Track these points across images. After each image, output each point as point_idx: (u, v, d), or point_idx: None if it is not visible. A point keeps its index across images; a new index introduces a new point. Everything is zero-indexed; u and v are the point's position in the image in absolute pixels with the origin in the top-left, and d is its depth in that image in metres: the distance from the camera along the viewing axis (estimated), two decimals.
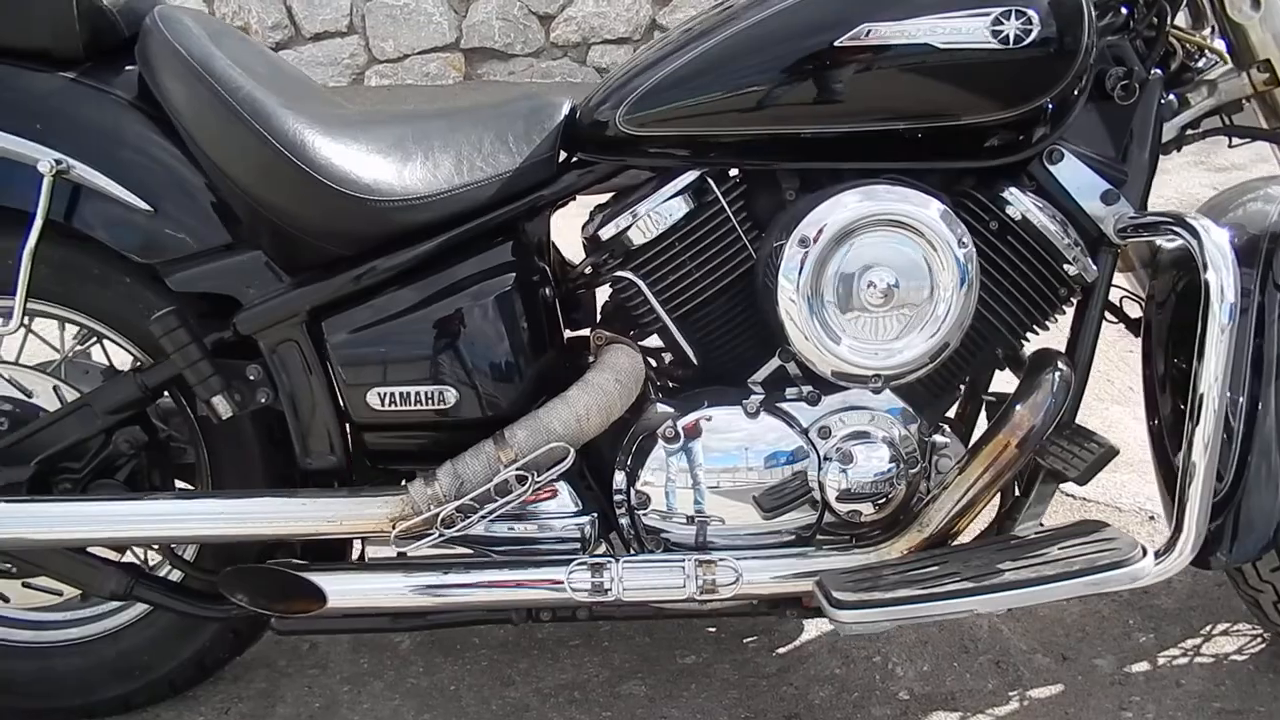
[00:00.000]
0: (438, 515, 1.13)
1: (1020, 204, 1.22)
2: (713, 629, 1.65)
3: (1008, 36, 1.11)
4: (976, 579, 1.08)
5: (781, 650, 1.60)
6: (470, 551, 1.25)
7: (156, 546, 1.30)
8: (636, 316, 1.31)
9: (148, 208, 1.17)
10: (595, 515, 1.26)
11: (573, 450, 1.16)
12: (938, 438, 1.29)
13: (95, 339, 1.36)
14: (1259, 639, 1.55)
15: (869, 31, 1.11)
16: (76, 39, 1.16)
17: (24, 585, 1.31)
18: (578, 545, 1.26)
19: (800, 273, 1.15)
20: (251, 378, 1.19)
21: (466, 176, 1.20)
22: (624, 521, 1.28)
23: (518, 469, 1.14)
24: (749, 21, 1.15)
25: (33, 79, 1.16)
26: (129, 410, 1.23)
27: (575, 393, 1.18)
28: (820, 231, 1.14)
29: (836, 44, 1.12)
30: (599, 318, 1.41)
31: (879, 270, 1.15)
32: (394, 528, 1.15)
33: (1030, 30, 1.11)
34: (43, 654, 1.36)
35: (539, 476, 1.16)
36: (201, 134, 1.13)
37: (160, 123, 1.18)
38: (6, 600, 1.33)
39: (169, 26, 1.15)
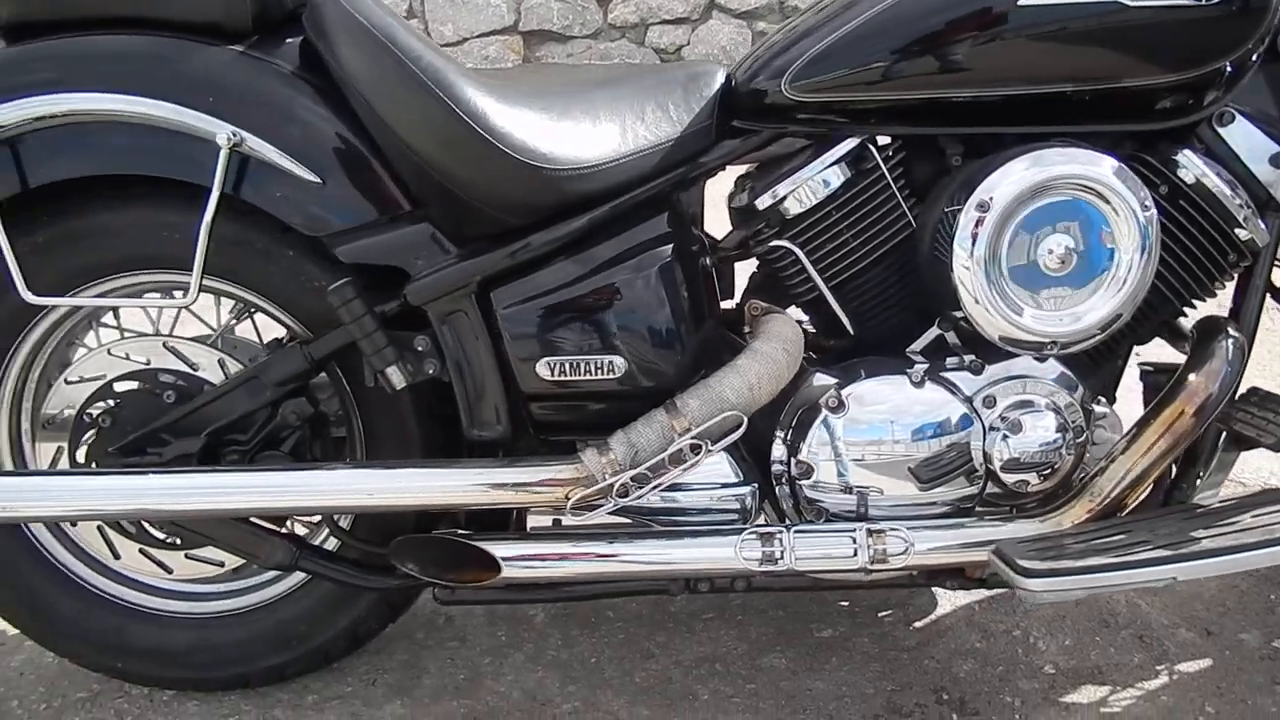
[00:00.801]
0: (613, 485, 1.13)
1: (1194, 167, 1.20)
2: (845, 603, 1.65)
3: None
4: (1173, 546, 1.07)
5: (918, 624, 1.59)
6: (628, 522, 1.26)
7: (320, 518, 1.31)
8: (790, 286, 1.30)
9: (316, 180, 1.17)
10: (755, 486, 1.25)
11: (746, 419, 1.16)
12: (1097, 407, 1.27)
13: (249, 313, 1.38)
14: None
15: None
16: (247, 12, 1.17)
17: (187, 557, 1.33)
18: (736, 516, 1.26)
19: (977, 238, 1.13)
20: (420, 349, 1.20)
21: (632, 145, 1.19)
22: (781, 492, 1.27)
23: (692, 438, 1.14)
24: None
25: (204, 53, 1.17)
26: (295, 382, 1.24)
27: (746, 362, 1.17)
28: (999, 196, 1.12)
29: (1021, 3, 1.10)
30: (745, 289, 1.40)
31: (1059, 235, 1.14)
32: (568, 497, 1.14)
33: None
34: (202, 624, 1.38)
35: (712, 445, 1.15)
36: (383, 103, 1.12)
37: (327, 95, 1.19)
38: (169, 572, 1.35)
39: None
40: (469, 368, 1.19)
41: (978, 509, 1.27)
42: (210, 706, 1.43)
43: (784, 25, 1.33)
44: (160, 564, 1.34)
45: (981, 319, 1.16)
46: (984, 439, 1.23)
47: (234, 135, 1.13)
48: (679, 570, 1.19)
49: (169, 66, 1.16)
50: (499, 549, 1.15)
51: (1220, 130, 1.23)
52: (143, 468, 1.20)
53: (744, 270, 1.42)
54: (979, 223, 1.13)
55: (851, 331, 1.29)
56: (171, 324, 1.42)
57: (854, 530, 1.18)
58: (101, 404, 1.27)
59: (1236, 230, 1.21)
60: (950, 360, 1.26)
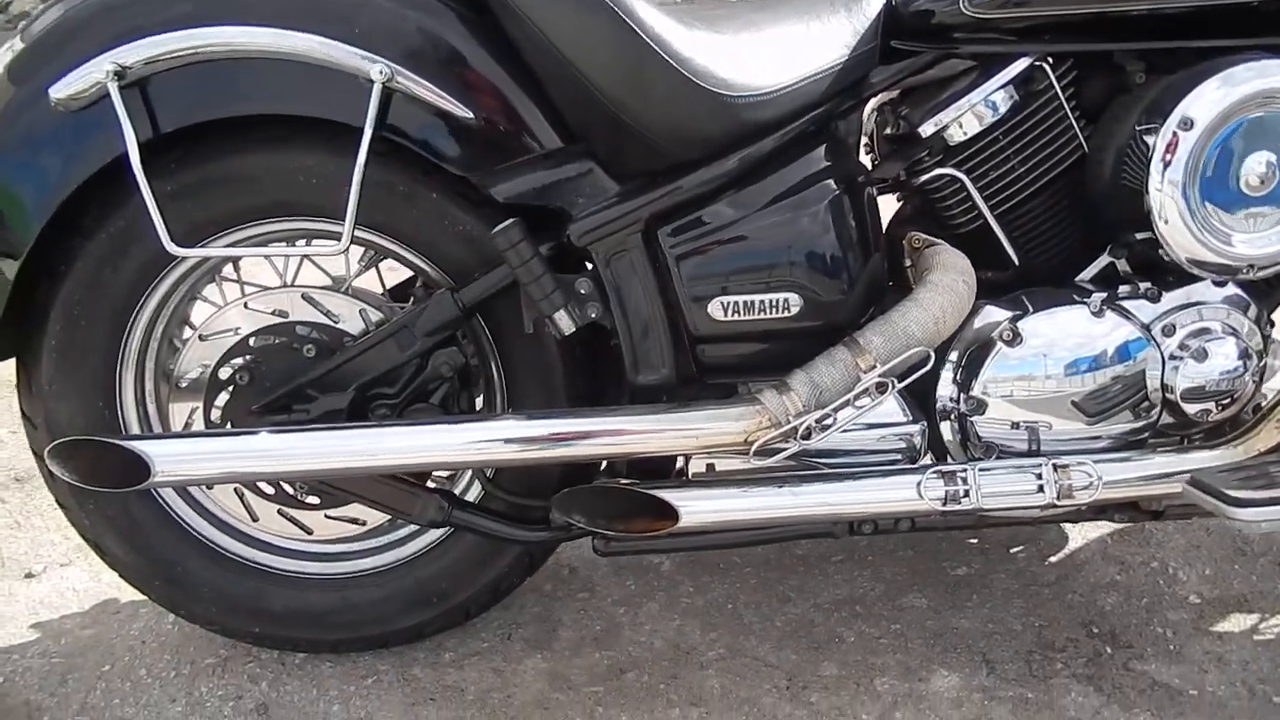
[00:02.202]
0: (797, 427, 1.09)
1: None
2: (974, 540, 1.62)
3: None
4: None
5: (1054, 559, 1.57)
6: (793, 464, 1.21)
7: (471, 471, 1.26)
8: (950, 217, 1.24)
9: (469, 115, 1.09)
10: (924, 424, 1.21)
11: (932, 354, 1.11)
12: (1274, 332, 1.23)
13: (379, 260, 1.31)
14: None
15: None
16: None
17: (326, 517, 1.29)
18: (904, 455, 1.22)
19: (1176, 158, 1.08)
20: (582, 291, 1.14)
21: (803, 70, 1.12)
22: (948, 429, 1.23)
23: (879, 376, 1.09)
24: None
25: None
26: (446, 331, 1.18)
27: (928, 295, 1.12)
28: (1202, 113, 1.07)
29: None
30: (890, 220, 1.35)
31: (1262, 152, 1.08)
32: (749, 441, 1.10)
33: None
34: (340, 585, 1.34)
35: (899, 384, 1.10)
36: (556, 27, 1.04)
37: (475, 24, 1.11)
38: (309, 532, 1.30)
39: None
40: (634, 310, 1.14)
41: (1150, 440, 1.23)
42: (346, 668, 1.39)
43: None
44: (300, 524, 1.29)
45: (1176, 242, 1.11)
46: (1163, 368, 1.19)
47: (387, 70, 1.05)
48: (859, 512, 1.15)
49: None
50: (677, 497, 1.10)
51: None
52: (295, 425, 1.14)
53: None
54: (1178, 142, 1.07)
55: (1016, 262, 1.24)
56: (293, 275, 1.35)
57: (1039, 466, 1.14)
58: (237, 360, 1.21)
59: None
60: (1123, 289, 1.22)
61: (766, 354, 1.16)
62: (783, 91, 1.10)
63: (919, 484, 1.14)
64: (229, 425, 1.22)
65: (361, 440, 1.08)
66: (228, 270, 1.30)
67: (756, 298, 1.12)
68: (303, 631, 1.35)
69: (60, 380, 1.21)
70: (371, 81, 1.05)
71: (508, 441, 1.08)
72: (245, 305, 1.21)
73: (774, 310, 1.13)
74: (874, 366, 1.09)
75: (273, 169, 1.15)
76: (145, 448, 1.06)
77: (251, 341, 1.21)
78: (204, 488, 1.28)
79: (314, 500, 1.27)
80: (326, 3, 1.07)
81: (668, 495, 1.10)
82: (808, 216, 1.12)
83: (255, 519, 1.29)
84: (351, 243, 1.10)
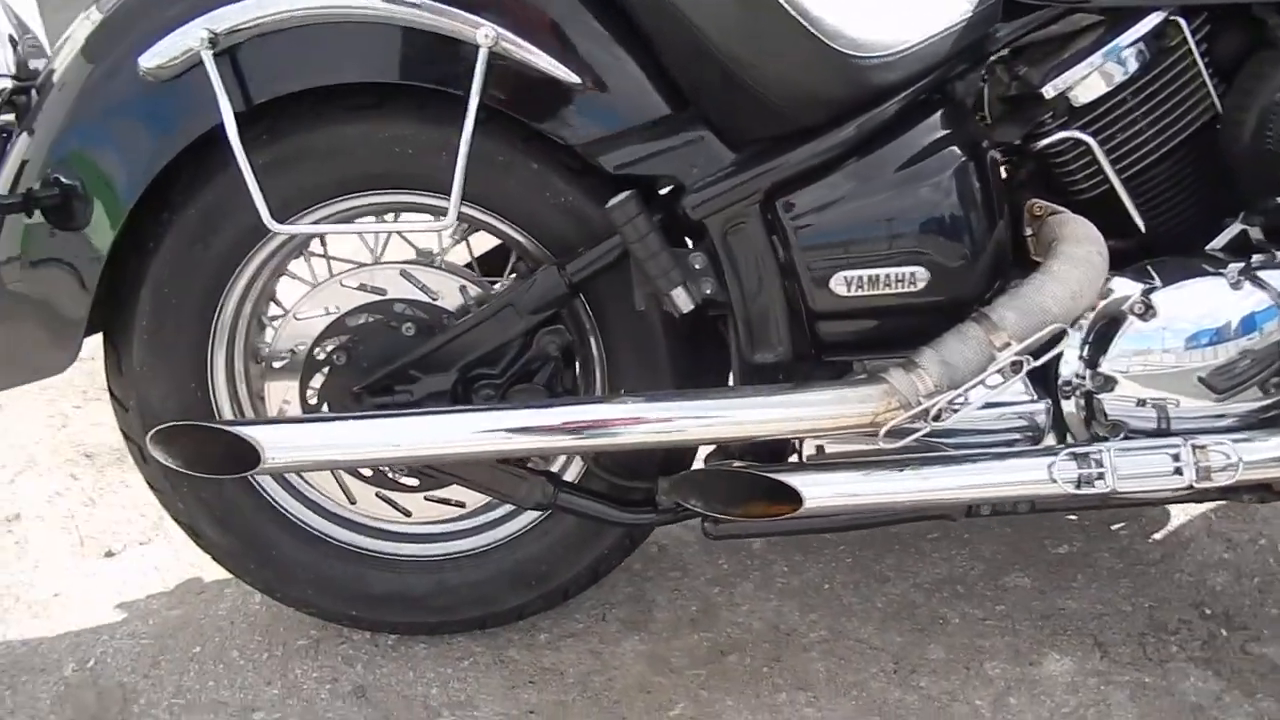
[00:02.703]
0: (929, 408, 1.03)
1: None
2: (1073, 517, 1.57)
3: None
4: None
5: (1158, 536, 1.52)
6: (913, 445, 1.16)
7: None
8: (1073, 182, 1.18)
9: (577, 81, 1.04)
10: (1049, 403, 1.16)
11: (1070, 331, 1.06)
12: None
13: (471, 233, 1.26)
14: None
15: None
16: None
17: (426, 499, 1.25)
18: (1026, 435, 1.17)
19: None
20: (696, 266, 1.09)
21: (927, 28, 1.06)
22: (1073, 408, 1.17)
23: (1015, 354, 1.04)
24: None
25: None
26: (552, 309, 1.13)
27: (1063, 268, 1.06)
28: None
29: None
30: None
31: None
32: (877, 424, 1.05)
33: None
34: (438, 568, 1.31)
35: (1034, 362, 1.05)
36: None
37: None
38: (408, 515, 1.27)
39: None
40: (751, 286, 1.08)
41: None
42: (440, 650, 1.37)
43: None
44: (398, 507, 1.26)
45: None
46: None
47: (493, 33, 1.00)
48: (987, 496, 1.10)
49: None
50: (801, 481, 1.06)
51: None
52: (403, 409, 1.10)
53: None
54: None
55: (1142, 230, 1.18)
56: (380, 250, 1.30)
57: (1177, 446, 1.09)
58: (333, 340, 1.17)
59: None
60: (1257, 258, 1.15)
61: (889, 331, 1.11)
62: (909, 51, 1.04)
63: (1050, 466, 1.09)
64: (326, 407, 1.18)
65: (475, 424, 1.04)
66: (314, 246, 1.26)
67: (881, 271, 1.07)
68: (400, 614, 1.32)
69: (152, 361, 1.18)
70: (478, 46, 1.00)
71: (633, 424, 1.04)
72: (341, 283, 1.16)
73: (899, 285, 1.07)
74: (1008, 344, 1.04)
75: (366, 140, 1.10)
76: (255, 433, 1.03)
77: (348, 321, 1.17)
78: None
79: (411, 482, 1.23)
80: None
81: (791, 479, 1.06)
82: (934, 185, 1.07)
83: (353, 501, 1.26)
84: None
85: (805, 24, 0.99)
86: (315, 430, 1.04)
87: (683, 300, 1.07)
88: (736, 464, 1.15)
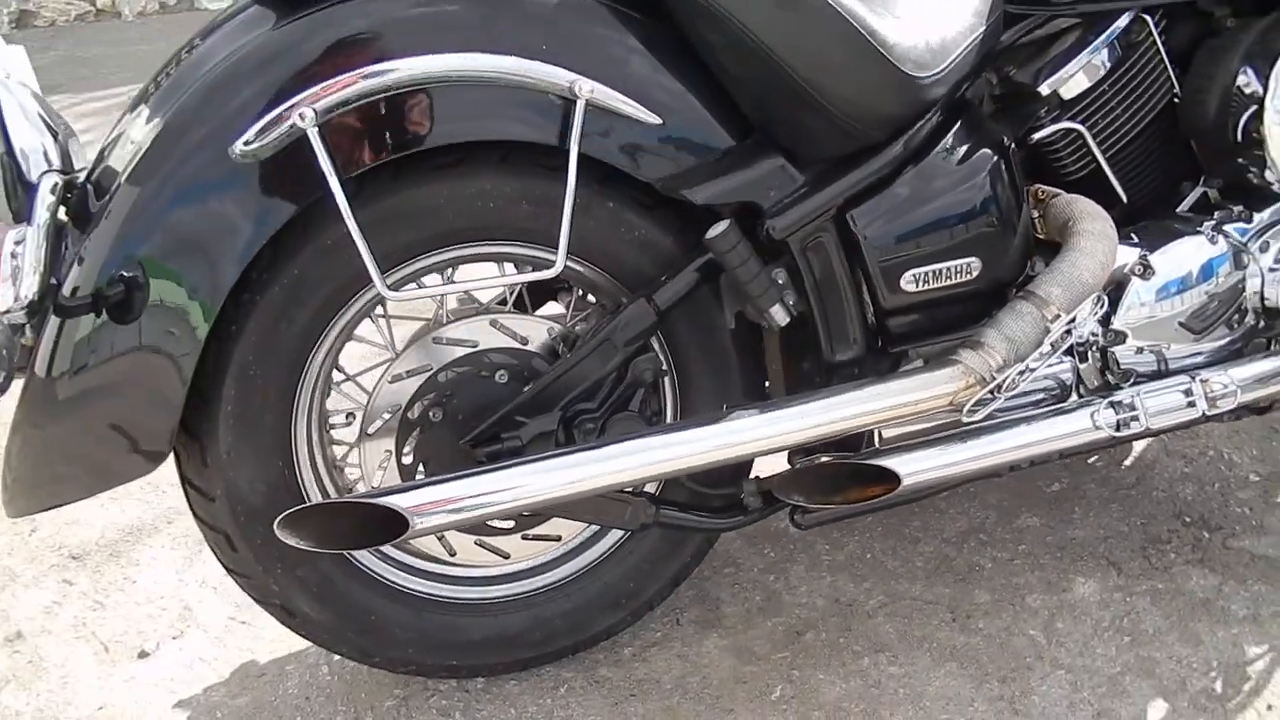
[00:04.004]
0: (1001, 381, 1.17)
1: None
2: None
3: None
4: None
5: (1128, 464, 1.74)
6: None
7: None
8: (1065, 165, 1.34)
9: (658, 120, 1.10)
10: (1073, 361, 1.31)
11: (1106, 297, 1.21)
12: None
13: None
14: None
15: None
16: None
17: (523, 539, 1.28)
18: (1055, 394, 1.32)
19: None
20: (779, 281, 1.17)
21: (958, 43, 1.18)
22: (1090, 363, 1.34)
23: (1066, 324, 1.18)
24: None
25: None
26: (644, 338, 1.18)
27: (1090, 243, 1.21)
28: None
29: None
30: None
31: None
32: (957, 403, 1.17)
33: None
34: (530, 603, 1.33)
35: (1080, 329, 1.20)
36: (755, 17, 1.05)
37: (651, 29, 1.11)
38: (506, 557, 1.29)
39: None
40: (832, 292, 1.18)
41: (1255, 345, 1.38)
42: (531, 683, 1.39)
43: None
44: (497, 551, 1.28)
45: None
46: (1263, 281, 1.34)
47: (588, 85, 1.04)
48: (1047, 449, 1.24)
49: (500, 16, 1.04)
50: (896, 462, 1.16)
51: None
52: (529, 456, 1.12)
53: None
54: None
55: (1125, 200, 1.36)
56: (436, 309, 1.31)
57: (1187, 382, 1.27)
58: (427, 399, 1.18)
59: None
60: (1218, 214, 1.35)
61: (950, 318, 1.23)
62: (950, 67, 1.16)
63: (1092, 414, 1.25)
64: (425, 464, 1.19)
65: (610, 458, 1.08)
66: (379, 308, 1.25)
67: (944, 265, 1.19)
68: (499, 655, 1.34)
69: (239, 446, 1.14)
70: (575, 98, 1.04)
71: (756, 437, 1.11)
72: (433, 340, 1.17)
73: (959, 275, 1.20)
74: (1059, 316, 1.18)
75: (451, 197, 1.11)
76: (396, 501, 1.03)
77: (440, 377, 1.18)
78: None
79: (508, 524, 1.26)
80: (517, 21, 1.05)
81: (888, 462, 1.16)
82: (977, 182, 1.19)
83: (453, 554, 1.26)
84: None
85: (879, 48, 1.09)
86: (455, 488, 1.05)
87: (780, 315, 1.15)
88: (824, 457, 1.24)
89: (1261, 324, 1.38)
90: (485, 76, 1.03)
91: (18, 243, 1.03)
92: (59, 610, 1.60)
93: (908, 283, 1.19)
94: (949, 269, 1.19)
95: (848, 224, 1.17)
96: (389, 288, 1.05)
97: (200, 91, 1.02)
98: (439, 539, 1.24)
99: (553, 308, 1.48)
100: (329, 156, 0.99)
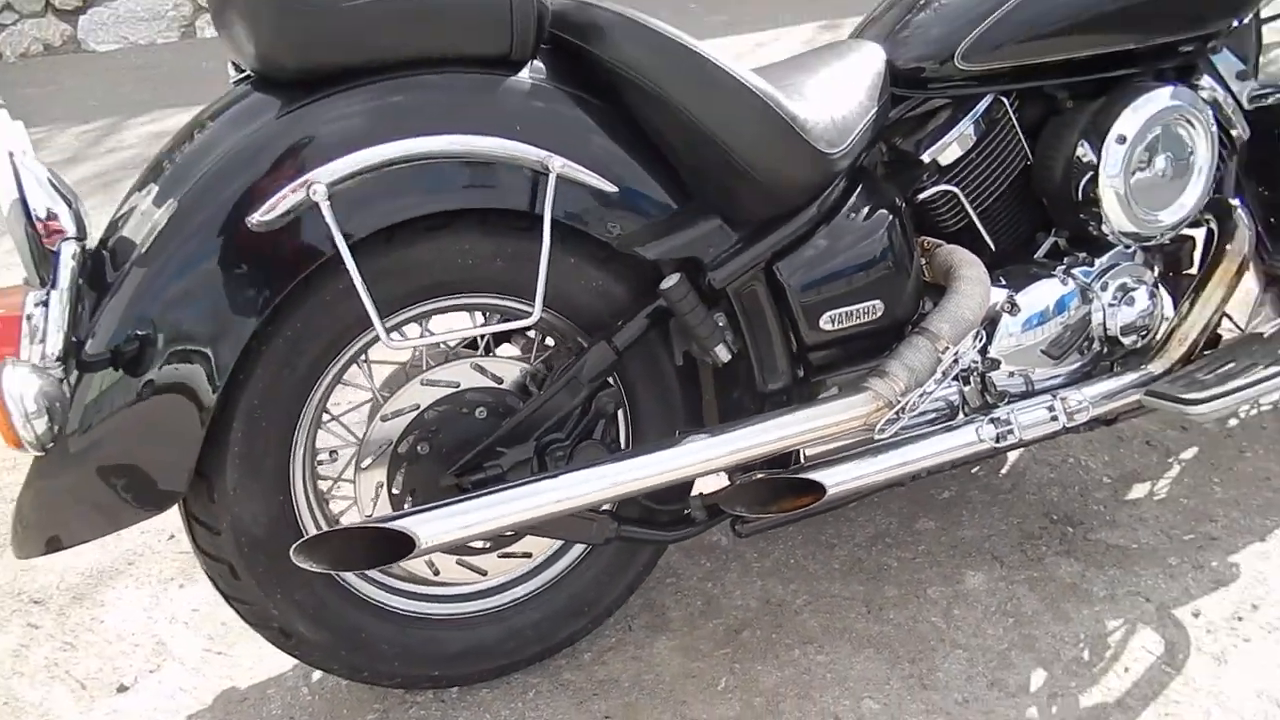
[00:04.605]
0: (904, 404, 1.40)
1: (1210, 88, 1.63)
2: None
3: None
4: (1277, 364, 1.52)
5: (1004, 472, 2.01)
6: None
7: None
8: (944, 221, 1.60)
9: (614, 189, 1.29)
10: (959, 385, 1.56)
11: (984, 331, 1.46)
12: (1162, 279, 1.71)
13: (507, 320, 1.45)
14: None
15: None
16: (529, 45, 1.24)
17: (499, 556, 1.43)
18: (948, 411, 1.56)
19: (1118, 161, 1.50)
20: (720, 324, 1.37)
21: (858, 121, 1.42)
22: (972, 385, 1.59)
23: (953, 355, 1.43)
24: None
25: (503, 84, 1.23)
26: (605, 375, 1.36)
27: (970, 287, 1.46)
28: (1131, 129, 1.49)
29: None
30: None
31: (1165, 150, 1.53)
32: (870, 423, 1.39)
33: None
34: (501, 616, 1.48)
35: (964, 358, 1.45)
36: (695, 100, 1.25)
37: (599, 107, 1.30)
38: (484, 574, 1.44)
39: (621, 10, 1.26)
40: (764, 331, 1.39)
41: (1102, 368, 1.67)
42: (503, 690, 1.54)
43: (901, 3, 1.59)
44: (475, 569, 1.43)
45: (1116, 220, 1.54)
46: (1104, 314, 1.62)
47: (560, 160, 1.22)
48: (942, 460, 1.48)
49: (484, 102, 1.22)
50: (822, 475, 1.38)
51: (1213, 58, 1.67)
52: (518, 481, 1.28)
53: None
54: (1115, 152, 1.49)
55: (993, 248, 1.62)
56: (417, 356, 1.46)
57: (1050, 400, 1.54)
58: (414, 434, 1.33)
59: (1233, 131, 1.66)
60: (1066, 260, 1.63)
61: (859, 351, 1.46)
62: (854, 141, 1.39)
63: (977, 430, 1.49)
64: (412, 494, 1.34)
65: (586, 480, 1.25)
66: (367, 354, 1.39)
67: (854, 306, 1.41)
68: (475, 665, 1.48)
69: (245, 483, 1.27)
70: (548, 171, 1.22)
71: (704, 459, 1.30)
72: (420, 383, 1.32)
73: (867, 315, 1.42)
74: (948, 348, 1.42)
75: (438, 255, 1.27)
76: (405, 525, 1.17)
77: (427, 415, 1.33)
78: None
79: (483, 544, 1.41)
80: (497, 106, 1.22)
81: (815, 475, 1.38)
82: (877, 237, 1.43)
83: (438, 573, 1.41)
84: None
85: (798, 130, 1.31)
86: (456, 510, 1.20)
87: (723, 353, 1.35)
88: (760, 474, 1.44)
89: (1105, 349, 1.67)
90: (471, 154, 1.20)
91: (37, 304, 1.14)
92: (27, 653, 1.65)
93: (825, 322, 1.41)
94: (858, 310, 1.42)
95: (775, 274, 1.38)
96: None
97: (217, 170, 1.15)
98: (426, 560, 1.38)
99: (506, 348, 1.65)
100: (337, 224, 1.14)
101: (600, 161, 1.29)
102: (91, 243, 1.20)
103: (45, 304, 1.14)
